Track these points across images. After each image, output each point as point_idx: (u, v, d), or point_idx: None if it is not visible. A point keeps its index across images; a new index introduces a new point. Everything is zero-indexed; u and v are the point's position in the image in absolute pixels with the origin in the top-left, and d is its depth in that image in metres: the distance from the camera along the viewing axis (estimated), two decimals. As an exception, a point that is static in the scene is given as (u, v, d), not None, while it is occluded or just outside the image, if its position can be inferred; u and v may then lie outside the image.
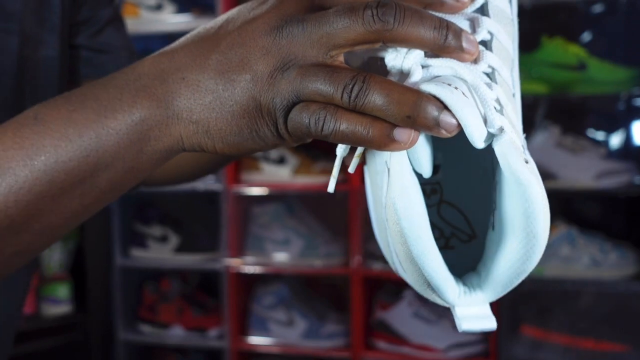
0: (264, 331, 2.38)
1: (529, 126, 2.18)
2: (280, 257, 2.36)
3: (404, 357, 2.21)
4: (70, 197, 0.45)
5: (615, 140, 2.25)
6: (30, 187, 0.43)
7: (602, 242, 2.08)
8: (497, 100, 0.42)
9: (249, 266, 2.36)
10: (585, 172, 2.06)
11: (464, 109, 0.40)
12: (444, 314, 2.24)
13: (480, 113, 0.41)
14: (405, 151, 0.42)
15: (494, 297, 0.44)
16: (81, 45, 0.71)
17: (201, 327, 2.45)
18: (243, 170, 2.39)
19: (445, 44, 0.41)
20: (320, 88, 0.41)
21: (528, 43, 2.15)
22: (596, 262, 2.05)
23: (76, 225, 0.48)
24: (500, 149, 0.40)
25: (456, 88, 0.40)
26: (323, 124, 0.41)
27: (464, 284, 0.45)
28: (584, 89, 2.08)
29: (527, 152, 0.44)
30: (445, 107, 0.40)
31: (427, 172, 0.43)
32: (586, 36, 2.25)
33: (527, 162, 0.41)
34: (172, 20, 2.43)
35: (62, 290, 2.36)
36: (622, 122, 2.25)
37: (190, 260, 2.45)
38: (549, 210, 0.42)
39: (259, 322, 2.39)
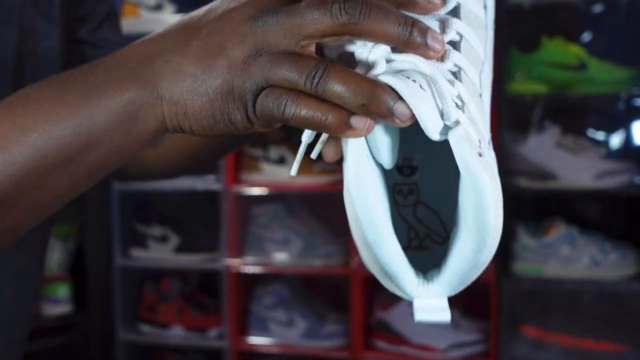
0: (263, 331, 2.38)
1: (529, 126, 2.17)
2: (280, 257, 2.36)
3: (404, 357, 2.21)
4: (61, 175, 0.46)
5: (615, 140, 2.25)
6: (23, 163, 0.45)
7: (602, 242, 2.07)
8: (459, 97, 0.44)
9: (249, 266, 2.36)
10: (585, 172, 2.06)
11: (417, 99, 0.41)
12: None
13: (437, 106, 0.42)
14: (363, 139, 0.43)
15: (450, 290, 0.45)
16: (83, 40, 0.72)
17: (201, 327, 2.45)
18: (243, 170, 2.39)
19: (409, 39, 0.43)
20: (286, 74, 0.43)
21: (528, 43, 2.14)
22: (596, 262, 2.04)
23: (63, 204, 0.49)
24: (454, 140, 0.42)
25: (414, 81, 0.42)
26: (284, 108, 0.43)
27: (425, 277, 0.45)
28: (584, 89, 2.08)
29: (489, 150, 0.45)
30: (400, 98, 0.41)
31: (387, 163, 0.45)
32: (586, 36, 2.24)
33: (480, 155, 0.42)
34: (172, 20, 2.43)
35: (62, 291, 2.35)
36: (622, 122, 2.25)
37: (190, 260, 2.45)
38: (502, 206, 0.43)
39: (258, 322, 2.38)
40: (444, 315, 0.45)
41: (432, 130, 0.42)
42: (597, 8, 2.22)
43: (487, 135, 0.46)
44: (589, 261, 2.05)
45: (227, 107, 0.45)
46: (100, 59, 0.48)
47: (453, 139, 0.42)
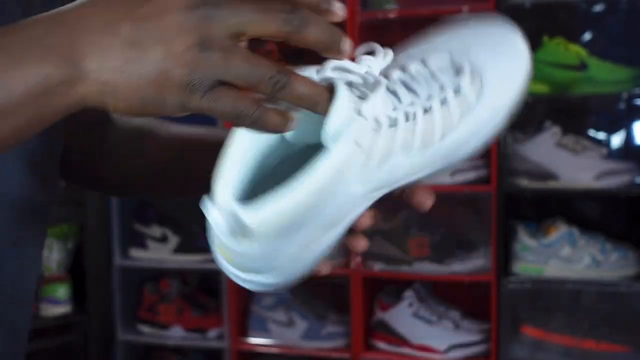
0: (263, 332, 2.37)
1: (529, 126, 2.17)
2: (280, 257, 2.35)
3: (404, 358, 2.20)
4: None
5: (616, 140, 2.24)
6: None
7: (603, 242, 2.07)
8: (377, 120, 0.52)
9: (249, 266, 2.35)
10: (586, 172, 2.06)
11: (343, 102, 0.50)
12: (445, 314, 2.23)
13: (353, 106, 0.51)
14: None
15: (248, 220, 0.51)
16: None
17: (201, 328, 2.44)
18: (243, 170, 2.38)
19: (333, 46, 0.49)
20: (246, 75, 0.47)
21: (529, 43, 2.13)
22: (597, 262, 2.04)
23: None
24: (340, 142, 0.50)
25: (349, 85, 0.51)
26: (247, 113, 0.48)
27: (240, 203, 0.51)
28: (585, 88, 2.07)
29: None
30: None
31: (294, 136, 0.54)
32: (587, 36, 2.24)
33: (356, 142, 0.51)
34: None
35: (62, 291, 2.35)
36: (623, 122, 2.24)
37: (190, 260, 2.44)
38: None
39: (258, 322, 2.38)
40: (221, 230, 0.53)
41: (333, 122, 0.49)
42: (598, 8, 2.22)
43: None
44: (590, 261, 2.04)
45: (161, 92, 0.46)
46: (25, 20, 0.48)
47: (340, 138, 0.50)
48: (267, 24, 0.47)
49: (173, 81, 0.46)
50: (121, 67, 0.46)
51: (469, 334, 2.19)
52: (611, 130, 2.24)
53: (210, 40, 0.45)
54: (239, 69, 0.46)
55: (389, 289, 2.30)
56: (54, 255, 2.36)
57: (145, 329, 2.51)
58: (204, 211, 0.53)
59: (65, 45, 0.46)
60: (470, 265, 2.17)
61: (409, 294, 2.22)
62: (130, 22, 0.46)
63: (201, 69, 0.46)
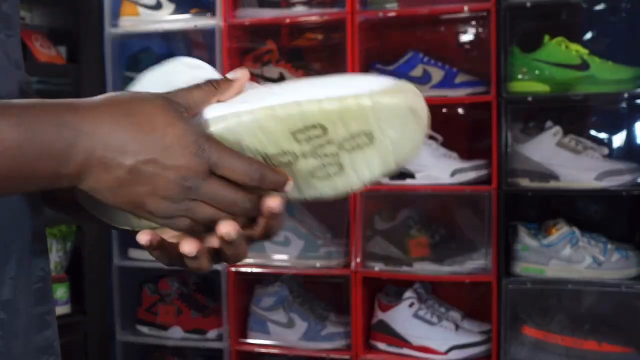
0: (263, 332, 2.36)
1: (531, 126, 2.16)
2: (280, 257, 2.34)
3: (405, 359, 2.19)
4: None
5: (618, 140, 2.23)
6: None
7: (604, 242, 2.06)
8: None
9: (249, 267, 2.34)
10: (587, 172, 2.05)
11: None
12: (446, 315, 2.22)
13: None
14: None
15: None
16: None
17: (200, 328, 2.43)
18: (242, 170, 2.37)
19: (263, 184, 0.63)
20: (213, 215, 0.62)
21: (530, 42, 2.13)
22: (598, 262, 2.03)
23: None
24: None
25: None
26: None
27: None
28: (587, 88, 2.06)
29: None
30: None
31: None
32: (588, 35, 2.23)
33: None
34: (171, 19, 2.41)
35: (61, 291, 2.34)
36: (625, 122, 2.23)
37: (189, 260, 2.42)
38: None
39: (258, 323, 2.37)
40: None
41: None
42: (600, 7, 2.21)
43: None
44: (591, 262, 2.03)
45: (133, 210, 0.62)
46: (46, 112, 0.57)
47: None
48: (233, 209, 0.61)
49: (144, 209, 0.61)
50: (112, 187, 0.59)
51: (470, 334, 2.18)
52: (613, 130, 2.23)
53: (184, 198, 0.60)
54: (206, 213, 0.61)
55: (389, 289, 2.30)
56: (52, 256, 2.35)
57: (144, 329, 2.50)
58: None
59: (75, 156, 0.57)
60: (471, 265, 2.16)
61: (409, 295, 2.21)
62: (136, 160, 0.58)
63: (167, 213, 0.61)
